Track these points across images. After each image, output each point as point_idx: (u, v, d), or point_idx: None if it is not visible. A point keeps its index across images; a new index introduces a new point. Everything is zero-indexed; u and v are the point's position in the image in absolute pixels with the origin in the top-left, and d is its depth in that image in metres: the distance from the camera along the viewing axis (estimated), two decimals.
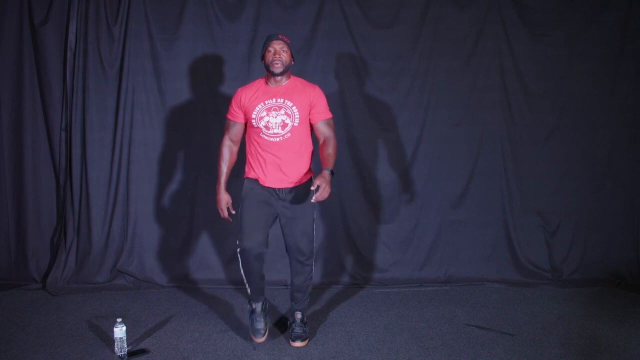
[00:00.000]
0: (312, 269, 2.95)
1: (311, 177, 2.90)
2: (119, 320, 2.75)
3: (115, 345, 2.74)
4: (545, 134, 4.03)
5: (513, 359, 2.78)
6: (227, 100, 2.90)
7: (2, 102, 3.80)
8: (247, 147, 2.89)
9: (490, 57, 3.95)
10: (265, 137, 2.77)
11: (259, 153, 2.81)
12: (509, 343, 2.96)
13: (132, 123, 3.83)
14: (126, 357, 2.73)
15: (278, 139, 2.76)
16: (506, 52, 3.95)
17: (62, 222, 3.85)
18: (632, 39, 3.97)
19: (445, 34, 3.90)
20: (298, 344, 2.89)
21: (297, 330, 2.94)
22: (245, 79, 3.58)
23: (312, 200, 2.62)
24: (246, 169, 2.90)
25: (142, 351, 2.82)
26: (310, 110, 2.81)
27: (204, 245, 3.94)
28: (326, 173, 2.68)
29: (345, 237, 4.01)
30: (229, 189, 2.92)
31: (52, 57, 3.77)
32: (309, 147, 2.88)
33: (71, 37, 3.74)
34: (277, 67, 2.73)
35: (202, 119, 3.83)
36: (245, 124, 2.88)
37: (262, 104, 2.76)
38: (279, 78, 2.79)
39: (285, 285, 3.79)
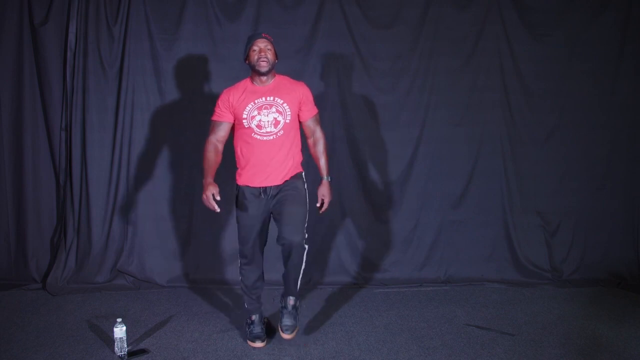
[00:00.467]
0: (303, 259, 2.81)
1: (302, 172, 2.90)
2: (119, 320, 2.75)
3: (115, 345, 2.74)
4: (545, 134, 4.03)
5: (513, 359, 2.78)
6: (216, 103, 2.88)
7: (2, 102, 3.80)
8: (238, 150, 2.86)
9: (490, 57, 3.95)
10: (258, 137, 2.76)
11: (251, 154, 2.79)
12: (509, 343, 2.96)
13: (132, 123, 3.83)
14: (126, 357, 2.73)
15: (271, 137, 2.76)
16: (506, 52, 3.95)
17: (62, 222, 3.85)
18: (632, 39, 3.97)
19: (445, 34, 3.90)
20: (287, 335, 2.85)
21: (287, 321, 2.86)
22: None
23: (320, 213, 2.84)
24: (237, 175, 2.88)
25: (142, 351, 2.82)
26: (299, 107, 2.83)
27: (204, 245, 3.94)
28: (327, 183, 2.89)
29: (345, 237, 4.01)
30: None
31: (52, 57, 3.77)
32: (299, 142, 2.90)
33: (71, 37, 3.74)
34: (264, 66, 2.73)
35: (202, 119, 3.81)
36: (232, 126, 2.86)
37: (252, 103, 2.76)
38: (264, 78, 2.79)
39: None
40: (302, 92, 2.84)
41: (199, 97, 3.84)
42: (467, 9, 3.91)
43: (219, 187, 2.82)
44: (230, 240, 3.89)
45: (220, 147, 2.88)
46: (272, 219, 2.90)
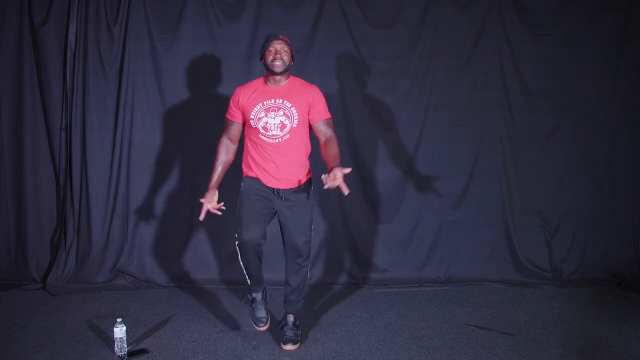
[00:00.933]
0: (308, 271, 2.92)
1: (310, 179, 2.89)
2: (119, 320, 2.75)
3: (115, 345, 2.74)
4: (545, 134, 4.03)
5: (513, 359, 2.78)
6: (227, 101, 2.88)
7: (2, 102, 3.80)
8: (246, 147, 2.87)
9: (490, 57, 3.95)
10: (264, 139, 2.75)
11: (258, 154, 2.79)
12: (509, 343, 2.96)
13: (132, 123, 3.83)
14: (126, 357, 2.73)
15: (277, 141, 2.74)
16: (506, 52, 3.95)
17: (62, 222, 3.85)
18: (632, 39, 3.97)
19: (445, 34, 3.91)
20: (289, 347, 2.86)
21: (289, 333, 2.90)
22: (245, 79, 3.56)
23: (325, 186, 2.56)
24: (245, 169, 2.87)
25: (142, 351, 2.82)
26: (309, 110, 2.79)
27: (204, 245, 3.94)
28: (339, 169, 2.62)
29: (345, 237, 4.01)
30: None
31: (52, 57, 3.77)
32: (307, 148, 2.86)
33: (71, 37, 3.74)
34: (278, 67, 2.71)
35: (201, 119, 3.83)
36: (244, 124, 2.85)
37: (260, 104, 2.74)
38: (278, 78, 2.77)
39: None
40: (312, 95, 2.78)
41: (199, 97, 3.84)
42: (467, 9, 3.91)
43: (222, 188, 2.82)
44: (230, 241, 3.87)
45: (233, 146, 2.89)
46: (274, 219, 2.89)
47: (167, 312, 3.39)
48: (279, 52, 2.71)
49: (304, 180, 2.84)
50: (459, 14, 3.91)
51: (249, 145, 2.84)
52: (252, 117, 2.74)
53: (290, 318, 2.95)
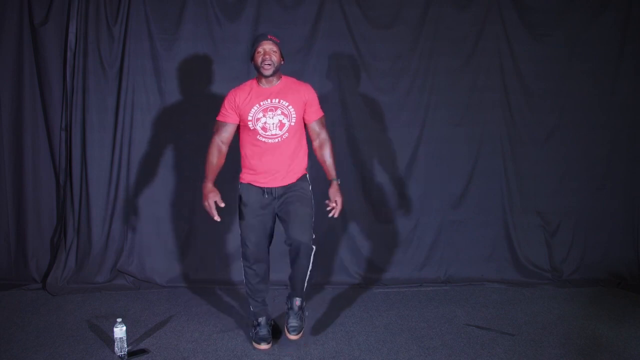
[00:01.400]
0: (310, 259, 2.84)
1: (306, 174, 2.90)
2: (119, 320, 2.75)
3: (115, 345, 2.74)
4: (545, 134, 4.03)
5: (513, 359, 2.78)
6: (222, 103, 2.88)
7: (2, 102, 3.80)
8: (243, 151, 2.86)
9: (490, 57, 3.95)
10: (263, 139, 2.75)
11: (256, 156, 2.78)
12: (509, 343, 2.96)
13: (132, 123, 3.83)
14: (126, 357, 2.74)
15: (276, 140, 2.75)
16: (506, 52, 3.95)
17: (62, 222, 3.85)
18: (632, 39, 3.97)
19: (445, 34, 3.90)
20: (293, 336, 2.85)
21: (293, 322, 2.87)
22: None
23: (335, 216, 2.86)
24: (241, 173, 2.88)
25: (142, 351, 2.82)
26: (304, 109, 2.81)
27: (204, 245, 3.94)
28: (336, 185, 2.87)
29: (345, 237, 4.01)
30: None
31: (52, 57, 3.77)
32: (304, 145, 2.89)
33: (71, 37, 3.74)
34: (267, 70, 2.71)
35: (201, 119, 3.82)
36: (238, 127, 2.85)
37: (257, 105, 2.74)
38: (270, 79, 2.77)
39: (286, 285, 3.78)
40: (308, 94, 2.82)
41: (199, 97, 3.84)
42: (467, 9, 3.91)
43: (222, 188, 2.83)
44: (230, 241, 3.89)
45: (225, 148, 2.87)
46: (277, 220, 2.90)
47: (167, 312, 3.39)
48: (268, 53, 2.71)
49: (300, 174, 2.86)
50: (459, 14, 3.91)
51: (246, 149, 2.83)
52: (250, 118, 2.74)
53: (297, 302, 2.90)
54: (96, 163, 3.83)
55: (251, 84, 2.83)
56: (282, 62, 2.81)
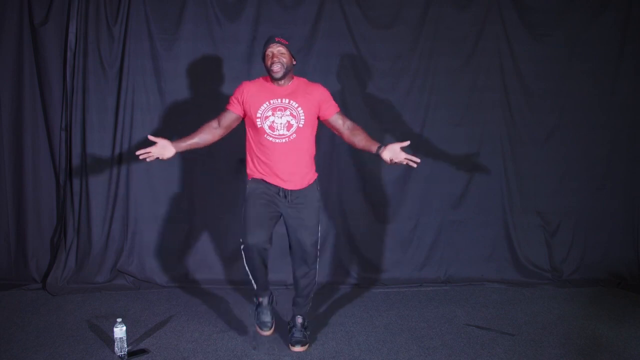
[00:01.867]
0: (315, 273, 2.93)
1: (316, 179, 2.88)
2: (119, 320, 2.75)
3: (115, 345, 2.74)
4: (545, 134, 4.03)
5: (513, 359, 2.78)
6: (227, 100, 2.88)
7: (2, 102, 3.80)
8: (249, 151, 2.84)
9: (490, 57, 3.95)
10: (270, 139, 2.73)
11: (264, 155, 2.76)
12: (509, 343, 2.96)
13: (132, 123, 3.83)
14: (126, 357, 2.73)
15: (284, 140, 2.73)
16: (506, 52, 3.95)
17: (62, 222, 3.85)
18: (632, 39, 3.97)
19: (445, 34, 3.90)
20: (298, 348, 2.86)
21: (297, 335, 2.91)
22: (245, 79, 3.56)
23: (414, 162, 2.67)
24: (249, 172, 2.86)
25: (142, 351, 2.82)
26: (319, 108, 2.80)
27: (204, 245, 3.94)
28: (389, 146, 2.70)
29: (345, 237, 4.01)
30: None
31: (52, 57, 3.77)
32: (313, 149, 2.86)
33: (71, 37, 3.73)
34: (277, 72, 2.70)
35: (201, 119, 3.77)
36: (243, 124, 2.84)
37: (267, 103, 2.73)
38: (281, 82, 2.76)
39: (286, 285, 3.80)
40: (320, 94, 2.81)
41: (199, 97, 3.84)
42: (467, 9, 3.91)
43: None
44: (230, 241, 3.89)
45: (218, 131, 2.83)
46: (279, 221, 2.89)
47: (167, 312, 3.39)
48: (276, 56, 2.70)
49: (310, 181, 2.83)
50: (459, 14, 3.91)
51: (253, 148, 2.81)
52: (258, 115, 2.72)
53: (299, 320, 2.95)
54: (96, 163, 3.83)
55: (264, 80, 2.82)
56: (294, 63, 2.80)
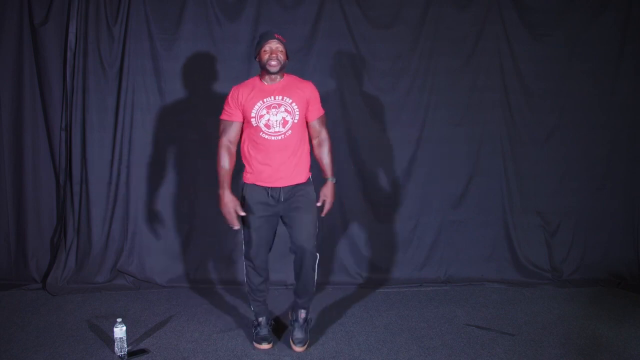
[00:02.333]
0: (315, 267, 2.90)
1: (309, 177, 2.89)
2: (119, 320, 2.75)
3: (115, 345, 2.74)
4: (545, 134, 4.03)
5: (513, 359, 2.78)
6: (225, 101, 2.88)
7: (2, 102, 3.80)
8: (244, 149, 2.84)
9: (490, 57, 3.95)
10: (266, 137, 2.74)
11: (259, 153, 2.77)
12: (509, 343, 2.96)
13: (132, 123, 3.83)
14: (126, 357, 2.74)
15: (280, 137, 2.73)
16: (506, 52, 3.95)
17: (62, 222, 3.85)
18: (632, 39, 3.97)
19: (445, 34, 3.90)
20: (299, 348, 2.87)
21: (298, 334, 2.91)
22: (245, 79, 3.56)
23: (322, 215, 2.88)
24: (244, 173, 2.87)
25: (142, 351, 2.82)
26: (307, 107, 2.81)
27: (204, 245, 3.94)
28: (331, 184, 2.89)
29: (345, 237, 4.01)
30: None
31: (52, 57, 3.77)
32: (307, 143, 2.88)
33: (71, 37, 3.73)
34: (274, 66, 2.71)
35: (201, 119, 3.83)
36: (242, 125, 2.85)
37: (260, 102, 2.74)
38: (274, 76, 2.77)
39: (286, 285, 3.80)
40: (310, 92, 2.82)
41: (199, 97, 3.84)
42: (467, 9, 3.91)
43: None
44: (230, 241, 3.89)
45: (233, 148, 2.84)
46: (280, 223, 2.91)
47: (167, 312, 3.39)
48: (275, 52, 2.71)
49: (304, 178, 2.84)
50: (459, 14, 3.91)
51: (249, 147, 2.82)
52: (253, 114, 2.73)
53: (302, 314, 2.94)
54: (96, 163, 3.83)
55: (254, 81, 2.83)
56: (288, 60, 2.81)
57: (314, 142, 2.93)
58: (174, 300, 3.60)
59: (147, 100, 3.84)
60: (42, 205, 3.91)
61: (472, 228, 4.03)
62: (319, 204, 2.87)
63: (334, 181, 2.92)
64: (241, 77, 3.70)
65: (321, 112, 2.90)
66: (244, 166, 2.87)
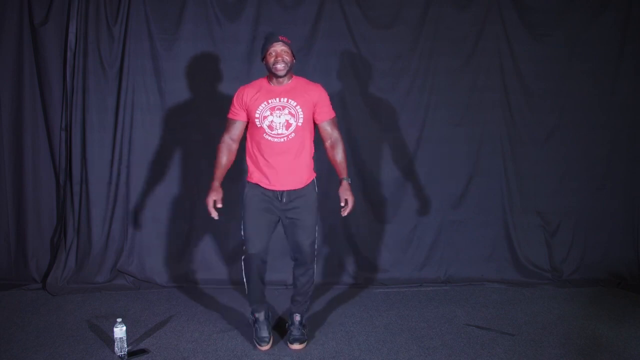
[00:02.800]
0: (314, 273, 2.93)
1: (314, 179, 2.88)
2: (119, 320, 2.75)
3: (115, 345, 2.74)
4: (545, 134, 4.03)
5: (513, 359, 2.78)
6: (227, 101, 2.88)
7: (2, 102, 3.80)
8: (248, 149, 2.85)
9: (490, 57, 3.95)
10: (269, 138, 2.74)
11: (262, 154, 2.77)
12: (509, 343, 2.96)
13: (132, 123, 3.83)
14: (126, 357, 2.74)
15: (282, 140, 2.73)
16: (506, 52, 3.95)
17: (62, 222, 3.85)
18: (632, 39, 3.97)
19: (445, 34, 3.90)
20: (296, 346, 2.88)
21: (296, 332, 2.92)
22: (245, 79, 3.57)
23: (343, 214, 2.82)
24: (248, 172, 2.87)
25: (142, 351, 2.82)
26: (314, 109, 2.80)
27: (204, 245, 3.94)
28: (346, 184, 2.84)
29: (345, 237, 4.01)
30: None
31: (52, 57, 3.77)
32: (311, 147, 2.86)
33: (71, 37, 3.73)
34: (281, 70, 2.70)
35: (201, 119, 3.83)
36: (247, 125, 2.85)
37: (265, 103, 2.73)
38: (281, 79, 2.76)
39: (286, 285, 3.80)
40: (318, 95, 2.80)
41: (199, 97, 3.84)
42: (467, 9, 3.91)
43: (222, 188, 2.83)
44: (230, 241, 3.89)
45: (235, 146, 2.86)
46: (280, 224, 2.90)
47: (167, 312, 3.39)
48: (280, 55, 2.70)
49: (308, 181, 2.84)
50: (459, 14, 3.91)
51: (252, 147, 2.82)
52: (257, 115, 2.73)
53: (297, 317, 2.97)
54: (96, 163, 3.83)
55: (261, 82, 2.83)
56: (294, 61, 2.80)
57: (327, 143, 2.89)
58: (174, 300, 3.60)
59: (147, 100, 3.84)
60: (42, 205, 3.90)
61: (472, 228, 4.03)
62: (342, 204, 2.82)
63: (349, 181, 2.87)
64: (241, 77, 3.72)
65: (332, 114, 2.86)
66: (240, 167, 2.87)
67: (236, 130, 2.84)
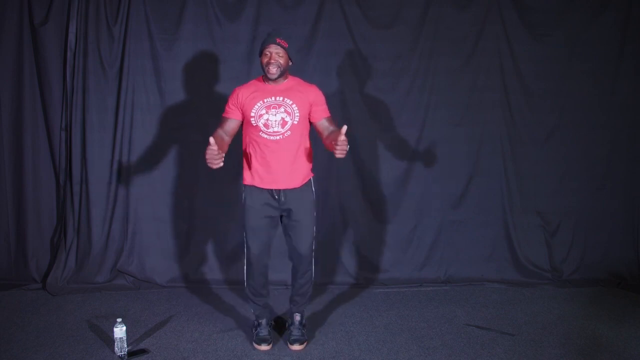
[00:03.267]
0: (312, 273, 2.95)
1: (311, 179, 2.89)
2: (119, 320, 2.75)
3: (115, 345, 2.74)
4: (545, 134, 4.03)
5: (513, 359, 2.78)
6: (227, 101, 2.88)
7: (2, 102, 3.80)
8: (245, 149, 2.85)
9: (490, 57, 3.95)
10: (265, 136, 2.74)
11: (259, 153, 2.77)
12: (509, 343, 2.96)
13: (132, 123, 3.83)
14: (126, 357, 2.74)
15: (278, 137, 2.74)
16: (506, 52, 3.95)
17: (62, 222, 3.85)
18: (632, 39, 3.97)
19: (445, 34, 3.90)
20: (296, 347, 2.89)
21: (296, 333, 2.94)
22: (245, 79, 3.56)
23: (337, 156, 2.56)
24: (244, 174, 2.87)
25: (142, 351, 2.82)
26: (310, 109, 2.80)
27: (204, 245, 3.94)
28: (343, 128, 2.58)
29: (345, 237, 4.01)
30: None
31: (52, 57, 3.77)
32: (308, 146, 2.86)
33: (71, 37, 3.73)
34: (272, 72, 2.71)
35: (201, 119, 3.83)
36: (242, 124, 2.85)
37: (261, 102, 2.74)
38: (276, 81, 2.77)
39: (286, 285, 3.79)
40: (314, 95, 2.81)
41: (199, 97, 3.84)
42: (467, 9, 3.91)
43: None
44: (230, 241, 3.89)
45: (227, 138, 2.81)
46: (279, 224, 2.92)
47: (167, 312, 3.39)
48: (273, 57, 2.70)
49: (305, 180, 2.84)
50: (459, 14, 3.91)
51: (249, 147, 2.83)
52: (252, 114, 2.74)
53: (297, 317, 2.98)
54: (96, 163, 3.83)
55: (257, 81, 2.84)
56: (291, 64, 2.80)
57: (324, 135, 2.81)
58: (174, 300, 3.60)
59: (147, 100, 3.84)
60: (42, 205, 3.90)
61: (472, 228, 4.03)
62: (337, 146, 2.58)
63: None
64: (241, 77, 3.71)
65: (327, 114, 2.86)
66: (240, 168, 2.87)
67: (229, 127, 2.82)
